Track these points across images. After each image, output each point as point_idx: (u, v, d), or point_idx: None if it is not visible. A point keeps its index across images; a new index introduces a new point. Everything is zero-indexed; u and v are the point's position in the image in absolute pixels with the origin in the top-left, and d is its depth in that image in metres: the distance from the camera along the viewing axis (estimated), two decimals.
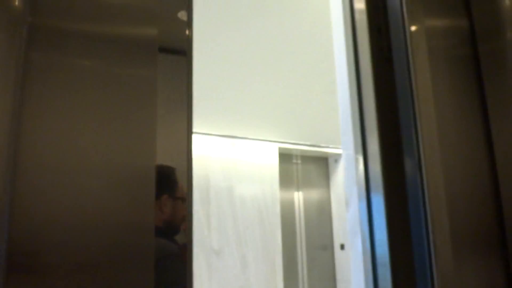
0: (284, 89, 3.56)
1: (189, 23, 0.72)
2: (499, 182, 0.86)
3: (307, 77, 3.62)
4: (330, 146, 4.18)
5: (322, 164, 4.44)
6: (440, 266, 0.78)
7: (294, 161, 4.28)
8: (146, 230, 0.62)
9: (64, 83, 0.62)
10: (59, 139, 0.60)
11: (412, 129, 0.82)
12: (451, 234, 0.79)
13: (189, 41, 0.72)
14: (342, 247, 4.21)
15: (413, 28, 0.85)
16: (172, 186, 0.67)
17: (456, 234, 0.80)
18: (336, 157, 4.34)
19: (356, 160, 0.86)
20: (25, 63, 0.60)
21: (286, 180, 4.12)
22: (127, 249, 0.61)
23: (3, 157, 0.57)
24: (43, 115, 0.60)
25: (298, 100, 3.69)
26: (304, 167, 4.32)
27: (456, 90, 0.87)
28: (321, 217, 4.31)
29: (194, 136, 0.71)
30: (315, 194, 4.31)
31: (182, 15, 0.73)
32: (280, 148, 3.93)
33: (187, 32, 0.72)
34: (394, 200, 0.82)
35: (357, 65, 0.87)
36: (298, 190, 4.23)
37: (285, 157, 4.12)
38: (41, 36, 0.61)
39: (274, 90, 3.54)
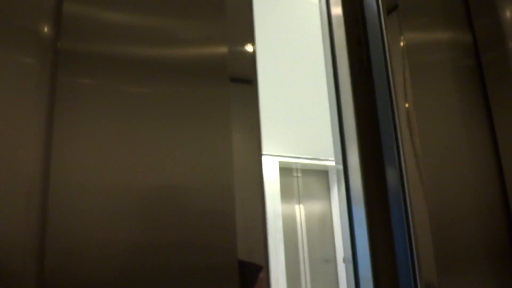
0: (283, 102, 3.56)
1: (254, 53, 0.76)
2: (493, 193, 0.84)
3: (307, 91, 3.62)
4: (330, 159, 4.15)
5: (323, 177, 4.41)
6: (424, 280, 0.76)
7: (295, 174, 4.26)
8: (229, 253, 0.64)
9: (105, 109, 0.64)
10: (101, 163, 0.61)
11: (393, 142, 0.81)
12: (435, 248, 0.77)
13: (255, 70, 0.76)
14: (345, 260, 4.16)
15: (391, 39, 0.84)
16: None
17: (441, 247, 0.78)
18: None
19: (338, 172, 0.85)
20: (57, 88, 0.62)
21: (287, 193, 4.09)
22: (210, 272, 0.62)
23: (36, 180, 0.57)
24: (78, 142, 0.61)
25: (297, 114, 3.69)
26: (305, 180, 4.29)
27: (438, 101, 0.86)
28: (323, 230, 4.27)
29: None
30: (316, 207, 4.28)
31: (249, 45, 0.76)
32: (280, 162, 3.91)
33: (253, 61, 0.76)
34: (375, 213, 0.80)
35: (336, 76, 0.86)
36: (299, 203, 4.20)
37: (285, 170, 4.09)
38: (72, 61, 0.63)
39: (273, 103, 3.54)
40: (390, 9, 0.86)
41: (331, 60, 0.87)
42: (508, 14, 0.92)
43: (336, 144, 0.85)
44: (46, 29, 0.63)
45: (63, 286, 0.55)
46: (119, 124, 0.63)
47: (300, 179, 4.27)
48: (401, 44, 0.84)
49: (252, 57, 0.75)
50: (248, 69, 0.75)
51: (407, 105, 0.81)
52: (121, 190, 0.61)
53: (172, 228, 0.61)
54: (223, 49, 0.72)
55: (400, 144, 0.79)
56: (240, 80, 0.73)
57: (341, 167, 0.84)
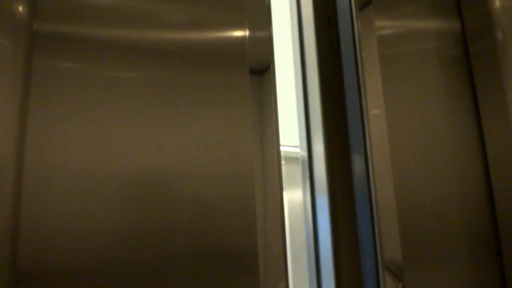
0: None
1: (271, 43, 0.75)
2: (476, 185, 0.82)
3: (292, 77, 3.58)
4: None
5: None
6: (387, 270, 0.74)
7: None
8: (249, 240, 0.64)
9: (88, 94, 0.61)
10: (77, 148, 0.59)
11: (360, 128, 0.78)
12: (401, 238, 0.75)
13: (273, 55, 0.75)
14: None
15: (362, 18, 0.81)
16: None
17: (407, 238, 0.75)
18: None
19: (302, 160, 0.82)
20: (32, 70, 0.59)
21: None
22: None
23: (10, 165, 0.56)
24: (54, 124, 0.59)
25: (280, 101, 3.66)
26: (287, 168, 4.29)
27: (414, 89, 0.83)
28: (305, 217, 4.28)
29: None
30: (298, 194, 4.29)
31: (267, 35, 0.75)
32: None
33: (271, 47, 0.75)
34: (339, 202, 0.77)
35: (303, 58, 0.82)
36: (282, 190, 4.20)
37: None
38: (48, 43, 0.61)
39: None
40: None
41: (298, 39, 0.83)
42: (497, 3, 0.90)
43: (301, 129, 0.82)
44: (20, 8, 0.60)
45: (38, 276, 0.53)
46: (103, 109, 0.61)
47: (284, 166, 4.27)
48: (374, 27, 0.81)
49: (270, 42, 0.74)
50: (266, 55, 0.73)
51: (376, 90, 0.78)
52: (108, 177, 0.58)
53: (174, 216, 0.60)
54: (240, 34, 0.71)
55: (366, 130, 0.76)
56: (259, 71, 0.71)
57: (305, 154, 0.81)
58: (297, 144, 0.85)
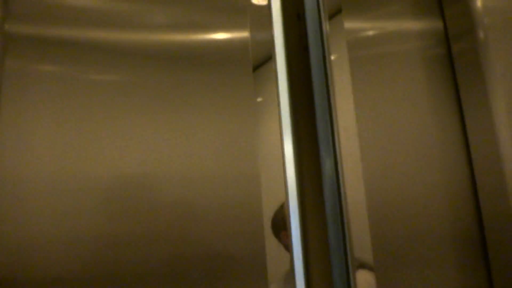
0: None
1: (273, 43, 0.75)
2: (456, 187, 0.80)
3: None
4: None
5: None
6: (361, 268, 0.72)
7: None
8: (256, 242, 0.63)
9: (65, 98, 0.59)
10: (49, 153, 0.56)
11: (329, 130, 0.77)
12: (372, 241, 0.73)
13: (275, 60, 0.75)
14: None
15: (332, 20, 0.79)
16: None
17: (378, 241, 0.73)
18: None
19: None
20: (4, 73, 0.57)
21: None
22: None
23: None
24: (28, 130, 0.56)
25: None
26: None
27: (389, 89, 0.82)
28: None
29: None
30: None
31: (269, 36, 0.75)
32: None
33: (273, 52, 0.75)
34: (309, 204, 0.76)
35: (273, 56, 0.81)
36: None
37: None
38: (22, 44, 0.58)
39: None
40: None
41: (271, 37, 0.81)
42: (479, 3, 0.89)
43: None
44: None
45: (15, 284, 0.51)
46: (80, 114, 0.58)
47: None
48: (343, 29, 0.80)
49: (272, 43, 0.74)
50: (268, 56, 0.73)
51: (346, 90, 0.76)
52: (85, 183, 0.56)
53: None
54: (242, 35, 0.70)
55: (336, 131, 0.74)
56: (262, 69, 0.71)
57: None
58: None
